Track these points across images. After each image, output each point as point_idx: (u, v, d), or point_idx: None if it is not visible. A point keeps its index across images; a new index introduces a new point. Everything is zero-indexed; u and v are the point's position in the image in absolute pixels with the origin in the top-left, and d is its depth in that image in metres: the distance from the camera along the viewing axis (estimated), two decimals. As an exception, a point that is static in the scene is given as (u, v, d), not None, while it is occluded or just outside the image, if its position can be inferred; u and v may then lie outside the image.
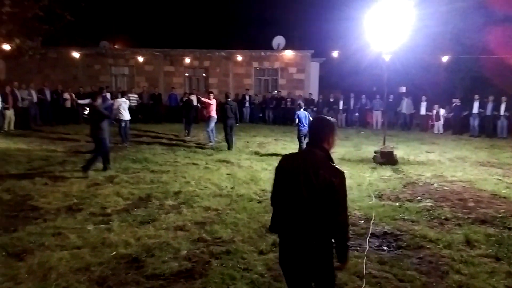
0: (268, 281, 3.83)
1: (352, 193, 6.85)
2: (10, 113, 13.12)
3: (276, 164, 2.69)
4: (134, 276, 3.88)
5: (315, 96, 20.37)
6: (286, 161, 2.60)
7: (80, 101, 14.87)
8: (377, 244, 4.78)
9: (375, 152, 9.81)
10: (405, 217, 5.66)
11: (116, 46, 23.21)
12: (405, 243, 4.76)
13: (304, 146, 11.28)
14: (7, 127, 13.11)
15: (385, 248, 4.68)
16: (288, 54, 21.09)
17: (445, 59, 17.07)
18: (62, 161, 9.01)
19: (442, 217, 5.71)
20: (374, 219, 5.52)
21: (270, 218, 2.84)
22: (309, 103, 19.06)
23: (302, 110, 10.50)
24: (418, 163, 9.80)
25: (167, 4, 25.29)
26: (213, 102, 11.97)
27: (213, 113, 11.84)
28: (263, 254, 4.39)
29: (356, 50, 16.64)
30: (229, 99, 11.52)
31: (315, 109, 18.96)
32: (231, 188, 7.10)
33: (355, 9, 11.47)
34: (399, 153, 10.22)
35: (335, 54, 20.20)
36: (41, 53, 18.31)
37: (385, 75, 10.35)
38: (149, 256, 4.29)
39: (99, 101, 8.19)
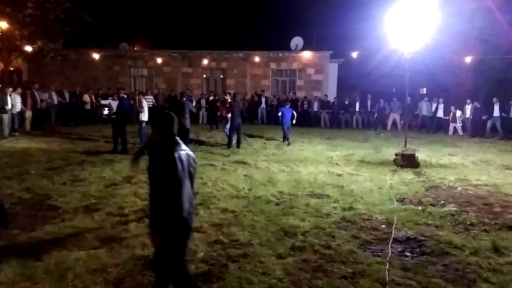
0: (287, 286, 3.72)
1: (372, 196, 6.68)
2: (29, 115, 13.36)
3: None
4: (151, 278, 3.81)
5: (333, 98, 20.11)
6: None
7: (102, 101, 15.02)
8: (400, 249, 4.62)
9: (396, 155, 9.58)
10: (429, 222, 5.46)
11: (135, 48, 23.45)
12: (429, 249, 4.58)
13: (288, 136, 12.75)
14: (28, 128, 13.34)
15: (408, 254, 4.51)
16: (306, 55, 20.91)
17: (469, 59, 16.61)
18: (81, 161, 9.08)
19: (468, 223, 5.48)
20: (396, 224, 5.35)
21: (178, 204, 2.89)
22: (324, 105, 18.86)
23: (287, 107, 12.86)
24: (441, 166, 9.52)
25: (185, 6, 25.42)
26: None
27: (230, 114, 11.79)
28: (282, 258, 4.28)
29: (376, 50, 16.36)
30: (236, 99, 11.73)
31: (330, 111, 18.75)
32: (248, 189, 7.01)
33: (375, 8, 11.26)
34: (420, 155, 9.95)
35: (354, 54, 19.92)
36: (62, 54, 18.69)
37: (406, 76, 10.10)
38: (165, 258, 4.23)
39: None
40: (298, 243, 4.67)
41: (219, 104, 13.62)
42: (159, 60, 20.87)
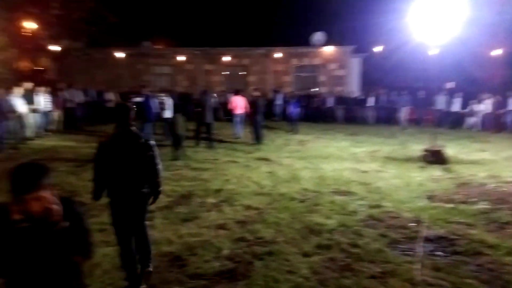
0: (314, 285, 3.65)
1: (400, 194, 6.52)
2: (57, 114, 13.65)
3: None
4: (177, 275, 3.83)
5: (356, 93, 19.81)
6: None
7: (136, 99, 15.19)
8: (431, 248, 4.47)
9: (424, 151, 9.32)
10: (460, 220, 5.28)
11: (158, 46, 23.69)
12: (461, 248, 4.42)
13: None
14: (56, 127, 13.64)
15: (439, 253, 4.36)
16: (328, 50, 20.65)
17: (498, 52, 16.01)
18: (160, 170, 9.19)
19: (502, 221, 5.27)
20: (426, 222, 5.19)
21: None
22: (339, 101, 18.57)
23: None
24: (471, 162, 9.21)
25: (207, 3, 25.49)
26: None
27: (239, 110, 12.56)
28: (308, 257, 4.21)
29: (401, 44, 15.98)
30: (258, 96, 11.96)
31: (345, 106, 18.45)
32: (272, 186, 6.95)
33: (400, 0, 10.94)
34: (449, 151, 9.64)
35: (378, 49, 19.53)
36: (87, 53, 19.08)
37: (430, 70, 9.81)
38: (191, 254, 4.24)
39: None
40: (324, 241, 4.59)
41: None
42: (181, 58, 21.03)
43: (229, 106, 13.24)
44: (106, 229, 4.88)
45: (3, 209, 1.82)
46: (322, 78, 21.03)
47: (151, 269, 3.76)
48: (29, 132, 11.52)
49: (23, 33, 16.17)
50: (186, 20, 25.59)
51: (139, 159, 3.47)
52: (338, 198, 6.31)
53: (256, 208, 5.76)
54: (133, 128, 3.53)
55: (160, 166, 3.67)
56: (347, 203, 6.04)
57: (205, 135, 11.05)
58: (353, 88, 20.16)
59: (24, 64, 17.77)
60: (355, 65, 21.04)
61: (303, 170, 8.27)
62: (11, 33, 14.50)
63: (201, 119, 10.75)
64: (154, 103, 11.33)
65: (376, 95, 18.33)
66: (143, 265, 3.71)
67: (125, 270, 3.59)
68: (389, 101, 18.06)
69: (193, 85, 20.47)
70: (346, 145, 11.63)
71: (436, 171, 8.16)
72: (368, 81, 21.66)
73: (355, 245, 4.48)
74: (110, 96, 16.83)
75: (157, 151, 3.60)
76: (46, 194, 1.78)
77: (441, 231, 4.91)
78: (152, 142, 3.60)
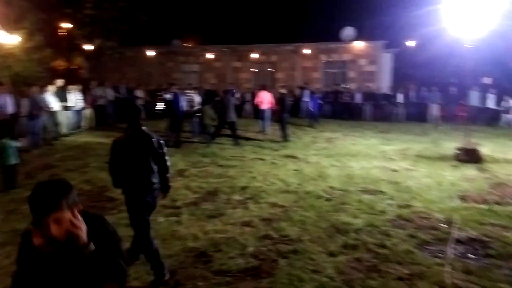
0: (339, 285, 3.60)
1: (431, 193, 6.32)
2: (89, 112, 14.05)
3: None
4: (202, 271, 3.87)
5: (387, 89, 19.33)
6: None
7: (166, 96, 15.49)
8: (462, 251, 4.31)
9: (457, 149, 9.00)
10: (494, 222, 5.07)
11: (187, 44, 23.97)
12: (494, 251, 4.25)
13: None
14: (88, 124, 14.06)
15: (471, 255, 4.21)
16: (358, 45, 20.26)
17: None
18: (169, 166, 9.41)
19: (540, 224, 5.02)
20: (457, 223, 5.01)
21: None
22: (367, 97, 18.18)
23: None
24: (507, 162, 8.82)
25: (235, 1, 25.54)
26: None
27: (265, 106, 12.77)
28: (333, 256, 4.16)
29: (434, 38, 15.42)
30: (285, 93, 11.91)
31: (373, 102, 18.04)
32: (298, 184, 6.91)
33: (433, -7, 10.56)
34: (484, 150, 9.27)
35: (410, 43, 18.97)
36: (119, 52, 19.54)
37: (465, 65, 9.44)
38: (216, 251, 4.27)
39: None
40: (350, 241, 4.52)
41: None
42: (209, 56, 21.20)
43: (255, 101, 13.34)
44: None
45: (27, 234, 1.66)
46: (351, 74, 20.68)
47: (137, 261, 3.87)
48: (62, 129, 11.94)
49: (58, 33, 16.77)
50: (214, 18, 25.74)
51: (150, 156, 3.70)
52: (366, 197, 6.19)
53: (282, 206, 5.74)
54: (144, 127, 3.78)
55: (169, 163, 3.93)
56: (375, 202, 5.92)
57: (229, 134, 11.19)
58: (384, 84, 19.70)
59: (59, 63, 18.42)
60: (386, 60, 20.55)
61: (330, 168, 8.17)
62: (47, 33, 15.04)
63: (224, 117, 10.86)
64: (182, 100, 11.48)
65: (405, 91, 17.83)
66: (132, 256, 3.83)
67: (150, 261, 3.74)
68: (419, 97, 17.54)
69: (221, 82, 20.60)
70: (375, 143, 11.40)
71: (469, 170, 7.87)
72: (400, 77, 21.07)
73: (382, 246, 4.38)
74: (139, 93, 17.15)
75: (166, 149, 3.87)
76: (68, 215, 1.58)
77: (473, 233, 4.73)
78: (162, 141, 3.83)
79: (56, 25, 16.39)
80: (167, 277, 3.72)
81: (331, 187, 6.71)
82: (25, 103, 9.65)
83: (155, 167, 3.75)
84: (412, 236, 4.64)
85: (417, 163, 8.60)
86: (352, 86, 19.78)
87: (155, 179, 3.75)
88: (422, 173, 7.70)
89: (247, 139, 11.96)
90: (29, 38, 13.56)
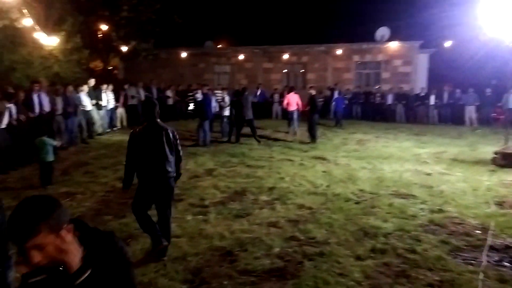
0: (365, 290, 3.52)
1: (466, 199, 6.08)
2: (121, 111, 14.44)
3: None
4: (227, 270, 3.89)
5: (422, 90, 18.76)
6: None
7: (197, 95, 15.77)
8: (497, 258, 4.11)
9: (494, 153, 8.61)
10: (534, 230, 4.81)
11: (219, 46, 24.24)
12: (533, 261, 4.03)
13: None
14: (120, 123, 14.45)
15: (506, 264, 4.00)
16: (393, 45, 19.81)
17: None
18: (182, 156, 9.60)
19: None
20: (493, 230, 4.79)
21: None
22: (399, 97, 17.71)
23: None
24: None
25: (266, 1, 25.57)
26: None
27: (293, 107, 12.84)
28: (361, 260, 4.07)
29: (472, 38, 14.83)
30: (315, 94, 11.87)
31: (405, 102, 17.56)
32: (327, 186, 6.82)
33: (472, -9, 10.16)
34: (525, 154, 8.82)
35: (447, 44, 18.35)
36: (154, 54, 19.99)
37: (506, 66, 9.00)
38: (242, 250, 4.28)
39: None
40: (379, 245, 4.41)
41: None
42: (241, 57, 21.34)
43: (284, 103, 13.46)
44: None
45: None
46: (385, 75, 20.24)
47: (165, 258, 4.07)
48: (97, 128, 12.33)
49: (96, 35, 17.36)
50: (246, 19, 25.89)
51: (165, 146, 3.99)
52: (397, 200, 6.03)
53: (309, 208, 5.68)
54: (159, 120, 4.09)
55: (182, 153, 4.26)
56: (407, 206, 5.75)
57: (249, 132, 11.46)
58: (419, 85, 19.13)
59: (96, 64, 19.06)
60: (421, 61, 19.97)
61: (361, 170, 8.02)
62: (85, 35, 15.60)
63: (242, 116, 11.13)
64: (212, 101, 11.61)
65: (438, 92, 17.24)
66: (159, 252, 4.07)
67: (148, 233, 4.10)
68: (454, 99, 16.91)
69: (251, 83, 20.67)
70: (408, 146, 11.08)
71: (507, 176, 7.49)
72: (436, 78, 20.41)
73: (412, 251, 4.25)
74: (170, 93, 17.42)
75: (179, 140, 4.21)
76: (51, 239, 1.32)
77: (509, 240, 4.50)
78: (175, 133, 4.17)
79: (94, 27, 16.97)
80: (164, 244, 4.04)
81: (361, 190, 6.58)
82: (59, 102, 10.01)
83: (171, 157, 4.04)
84: (444, 242, 4.47)
85: (452, 167, 8.29)
86: (386, 87, 19.35)
87: (170, 168, 4.03)
88: (457, 178, 7.41)
89: (276, 140, 11.95)
90: (68, 39, 14.11)
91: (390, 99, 17.89)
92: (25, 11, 10.43)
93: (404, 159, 9.21)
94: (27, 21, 10.77)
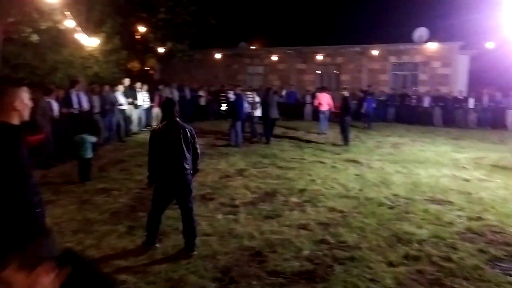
0: (397, 297, 3.43)
1: (506, 206, 5.81)
2: (157, 111, 14.74)
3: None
4: (256, 270, 3.89)
5: (462, 93, 18.08)
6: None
7: (229, 95, 15.91)
8: (541, 272, 3.90)
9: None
10: None
11: (253, 47, 24.35)
12: None
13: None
14: (156, 122, 14.76)
15: (552, 278, 3.79)
16: (432, 46, 19.18)
17: None
18: (200, 153, 9.71)
19: None
20: (537, 241, 4.54)
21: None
22: (437, 100, 17.11)
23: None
24: None
25: (301, 2, 25.47)
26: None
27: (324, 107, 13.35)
28: (393, 266, 3.97)
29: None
30: (348, 95, 11.75)
31: (442, 105, 16.95)
32: (359, 190, 6.69)
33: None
34: None
35: (490, 45, 17.57)
36: (189, 55, 20.36)
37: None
38: (271, 251, 4.27)
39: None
40: (412, 251, 4.28)
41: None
42: (274, 58, 21.34)
43: (315, 103, 13.68)
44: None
45: None
46: (423, 77, 19.64)
47: (195, 253, 4.20)
48: (133, 126, 12.67)
49: (134, 36, 17.87)
50: (281, 20, 25.90)
51: (183, 144, 4.15)
52: (432, 206, 5.84)
53: (340, 211, 5.60)
54: (177, 119, 4.27)
55: (199, 151, 4.43)
56: (443, 213, 5.56)
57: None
58: (458, 87, 18.42)
59: (133, 64, 19.63)
60: (462, 63, 19.23)
61: (395, 174, 7.82)
62: (124, 36, 16.10)
63: (268, 115, 11.39)
64: (245, 102, 11.67)
65: (478, 95, 16.51)
66: (188, 246, 4.25)
67: (148, 231, 4.35)
68: (494, 102, 16.16)
69: (284, 84, 20.62)
70: (446, 150, 10.70)
71: (555, 184, 7.10)
72: (477, 81, 19.61)
73: (448, 259, 4.10)
74: (202, 93, 17.63)
75: (197, 137, 4.36)
76: (21, 278, 1.08)
77: (556, 253, 4.26)
78: (193, 131, 4.31)
79: (132, 29, 17.47)
80: (157, 244, 4.36)
81: (395, 195, 6.42)
82: (97, 100, 10.36)
83: (188, 155, 4.20)
84: (482, 251, 4.28)
85: (493, 173, 7.93)
86: (423, 89, 18.77)
87: (187, 165, 4.19)
88: (498, 184, 7.08)
89: (308, 141, 11.85)
90: (108, 41, 14.61)
91: (427, 102, 17.34)
92: (67, 13, 10.87)
93: (441, 164, 8.90)
94: (69, 23, 11.23)
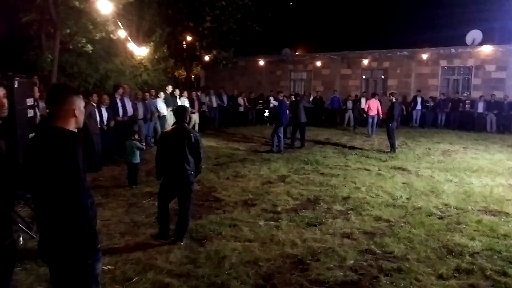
0: (447, 313, 3.25)
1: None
2: (195, 117, 14.98)
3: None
4: (298, 278, 3.84)
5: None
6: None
7: (272, 102, 15.95)
8: None
9: None
10: None
11: (297, 53, 24.29)
12: None
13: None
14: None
15: None
16: (486, 49, 18.18)
17: None
18: (242, 159, 9.83)
19: None
20: None
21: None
22: (491, 105, 16.14)
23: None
24: None
25: (345, 7, 25.09)
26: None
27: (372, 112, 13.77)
28: (443, 279, 3.77)
29: None
30: (395, 101, 11.44)
31: (496, 111, 15.99)
32: (407, 198, 6.44)
33: None
34: None
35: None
36: (233, 62, 20.67)
37: None
38: (314, 260, 4.20)
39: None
40: (464, 264, 4.05)
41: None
42: (318, 63, 21.14)
43: (365, 108, 13.98)
44: (237, 225, 5.21)
45: None
46: (476, 81, 18.64)
47: (182, 243, 4.59)
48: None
49: (181, 45, 18.42)
50: (325, 25, 25.66)
51: (186, 148, 4.53)
52: (486, 217, 5.51)
53: (387, 220, 5.41)
54: (186, 125, 4.70)
55: (203, 155, 4.81)
56: (498, 224, 5.22)
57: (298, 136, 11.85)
58: (515, 92, 17.31)
59: (179, 72, 20.21)
60: (519, 66, 18.07)
61: (446, 183, 7.46)
62: (172, 45, 16.63)
63: (297, 120, 11.62)
64: (287, 107, 11.67)
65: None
66: (177, 237, 4.65)
67: (159, 224, 4.78)
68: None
69: (328, 89, 20.36)
70: (501, 158, 10.08)
71: None
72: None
73: (503, 273, 3.85)
74: (241, 101, 17.74)
75: (201, 143, 4.73)
76: None
77: None
78: (199, 137, 4.69)
79: (180, 38, 18.01)
80: (170, 240, 4.65)
81: (445, 204, 6.12)
82: (140, 107, 10.72)
83: (190, 157, 4.57)
84: (544, 268, 3.97)
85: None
86: (476, 94, 17.82)
87: (188, 166, 4.57)
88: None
89: (352, 148, 11.60)
90: (156, 50, 15.16)
91: (481, 107, 16.43)
92: (119, 23, 11.39)
93: (496, 172, 8.39)
94: (121, 33, 11.75)
